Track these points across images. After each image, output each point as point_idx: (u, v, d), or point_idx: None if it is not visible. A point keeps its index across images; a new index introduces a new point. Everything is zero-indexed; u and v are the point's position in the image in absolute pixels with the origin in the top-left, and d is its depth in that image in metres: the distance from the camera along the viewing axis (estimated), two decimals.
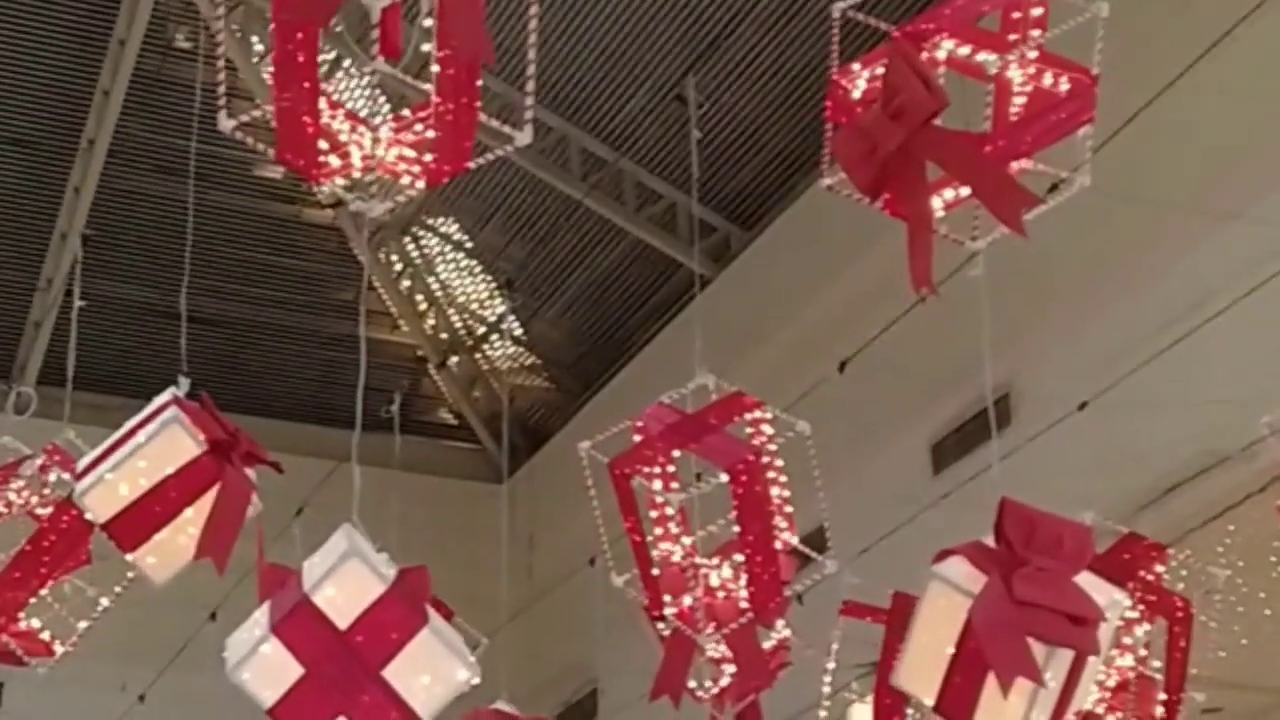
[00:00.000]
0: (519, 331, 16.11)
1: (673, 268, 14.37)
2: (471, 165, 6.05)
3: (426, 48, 5.64)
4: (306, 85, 5.67)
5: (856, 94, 5.73)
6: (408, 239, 15.67)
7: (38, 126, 13.96)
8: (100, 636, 8.85)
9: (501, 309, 15.95)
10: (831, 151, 5.74)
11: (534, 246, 15.09)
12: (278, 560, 7.78)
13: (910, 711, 7.12)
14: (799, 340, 12.56)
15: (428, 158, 6.02)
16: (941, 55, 5.70)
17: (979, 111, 5.65)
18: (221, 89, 6.55)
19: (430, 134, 5.96)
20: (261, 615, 5.69)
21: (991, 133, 5.54)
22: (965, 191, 5.58)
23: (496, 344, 16.29)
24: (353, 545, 5.75)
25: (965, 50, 5.65)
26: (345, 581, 5.63)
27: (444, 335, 16.17)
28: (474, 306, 16.09)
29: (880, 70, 5.61)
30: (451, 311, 16.08)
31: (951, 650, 5.21)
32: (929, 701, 5.27)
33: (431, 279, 15.91)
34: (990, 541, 5.36)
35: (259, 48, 13.47)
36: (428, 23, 5.57)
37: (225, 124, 6.17)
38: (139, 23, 13.28)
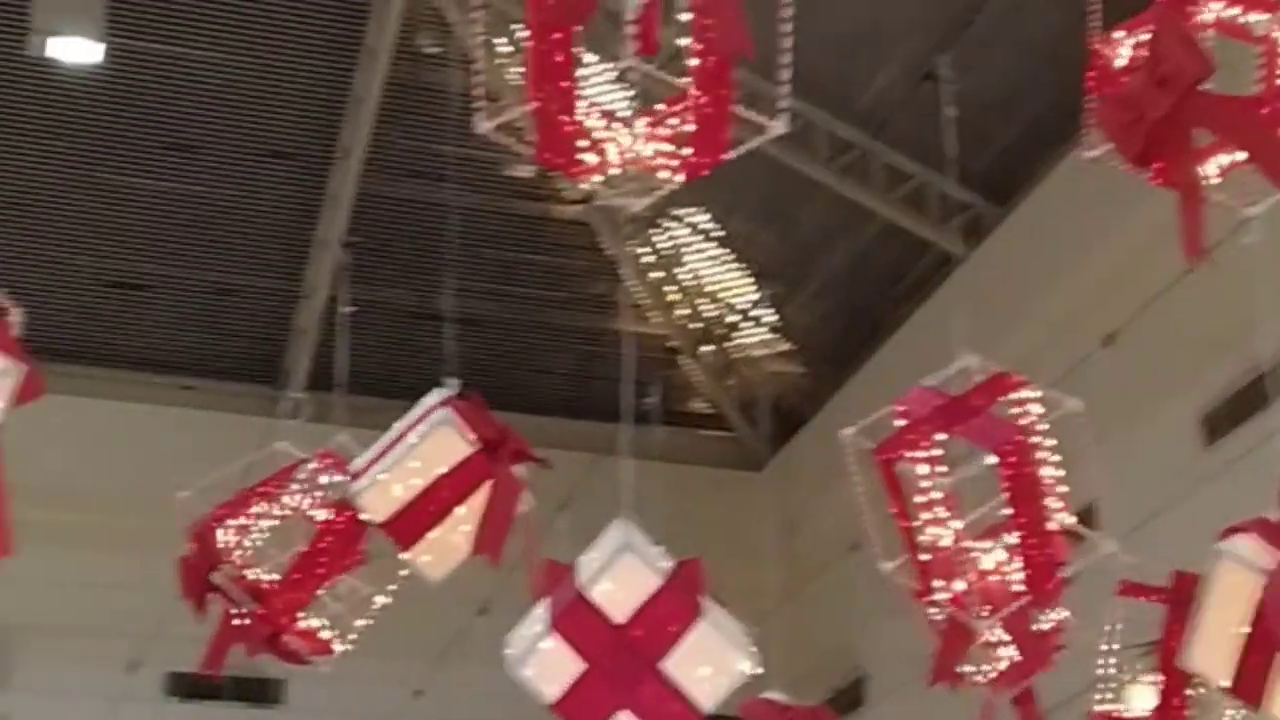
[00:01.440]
0: (771, 318, 16.08)
1: (925, 248, 14.23)
2: (727, 156, 6.06)
3: (681, 42, 5.65)
4: (564, 84, 5.72)
5: (1120, 62, 5.62)
6: (657, 230, 15.73)
7: (294, 138, 14.28)
8: (377, 633, 9.04)
9: (753, 296, 15.94)
10: (1095, 122, 5.65)
11: (783, 232, 15.05)
12: (545, 555, 7.88)
13: (1190, 692, 6.97)
14: (1059, 316, 12.36)
15: (684, 151, 6.03)
16: (1208, 18, 5.57)
17: (1247, 75, 5.51)
18: (478, 92, 6.64)
19: (686, 127, 5.97)
20: (541, 611, 5.77)
21: (1262, 95, 5.41)
22: (1238, 157, 5.45)
23: (748, 331, 16.29)
24: (627, 539, 5.80)
25: (1233, 12, 5.52)
26: (621, 576, 5.69)
27: (696, 325, 16.21)
28: (725, 295, 16.10)
29: (1144, 37, 5.50)
30: (702, 301, 16.11)
31: (1244, 630, 5.09)
32: (1224, 683, 5.16)
33: (681, 269, 15.96)
34: (1275, 516, 5.23)
35: (505, 49, 13.62)
36: (683, 17, 5.58)
37: (483, 126, 6.26)
38: (389, 31, 13.52)
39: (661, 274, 15.94)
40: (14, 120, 13.79)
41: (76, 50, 12.88)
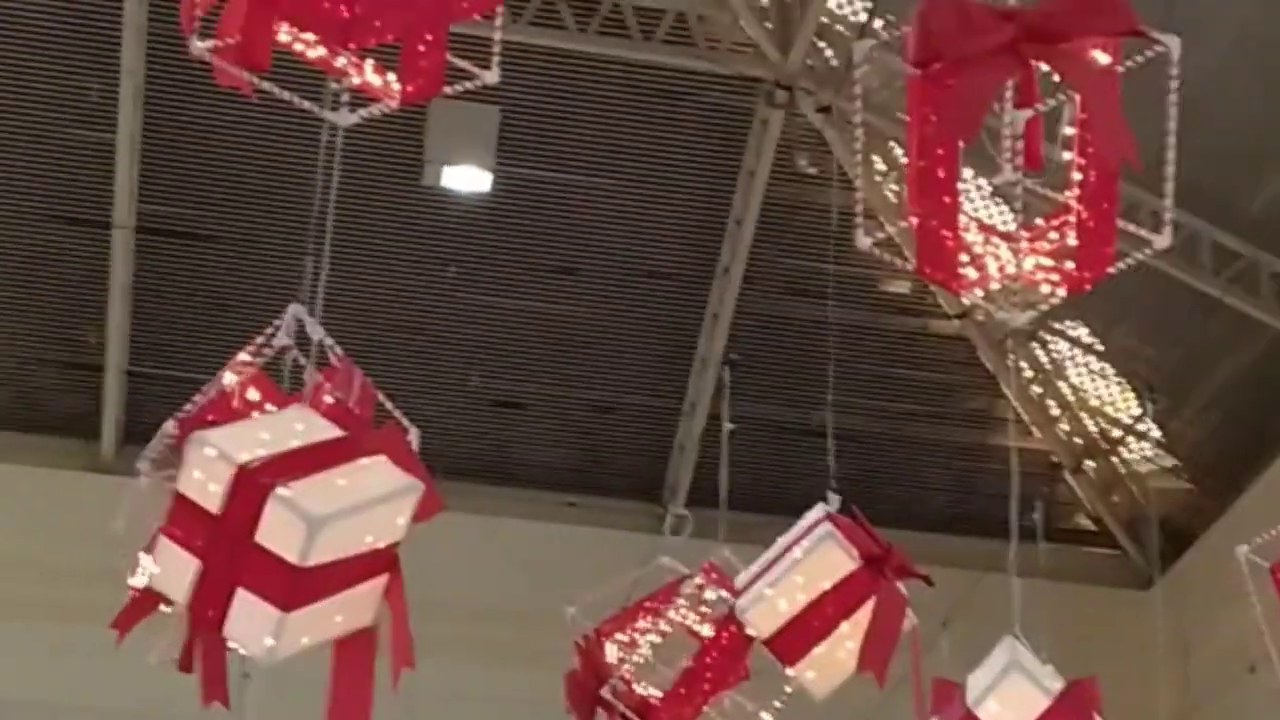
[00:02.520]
0: (1156, 433, 15.71)
1: None
2: (1111, 270, 6.00)
3: (1065, 155, 5.64)
4: (946, 200, 5.75)
5: None
6: (1036, 344, 15.54)
7: (674, 258, 14.55)
8: None
9: (1137, 411, 15.60)
10: None
11: (1168, 345, 14.72)
12: (927, 672, 7.82)
13: None
14: None
15: (1067, 265, 6.00)
16: None
17: None
18: (858, 209, 6.71)
19: (1069, 241, 5.94)
20: None
21: None
22: None
23: (1133, 447, 15.93)
24: (1015, 658, 5.73)
25: None
26: (1009, 695, 5.62)
27: (1078, 440, 15.93)
28: (1108, 410, 15.79)
29: None
30: (1084, 415, 15.83)
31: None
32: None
33: (1062, 383, 15.72)
34: None
35: (881, 168, 13.70)
36: (1067, 130, 5.57)
37: (863, 242, 6.32)
38: (766, 153, 13.72)
39: (1042, 388, 15.72)
40: (410, 248, 14.36)
41: (468, 179, 13.41)
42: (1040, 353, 15.60)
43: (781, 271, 14.49)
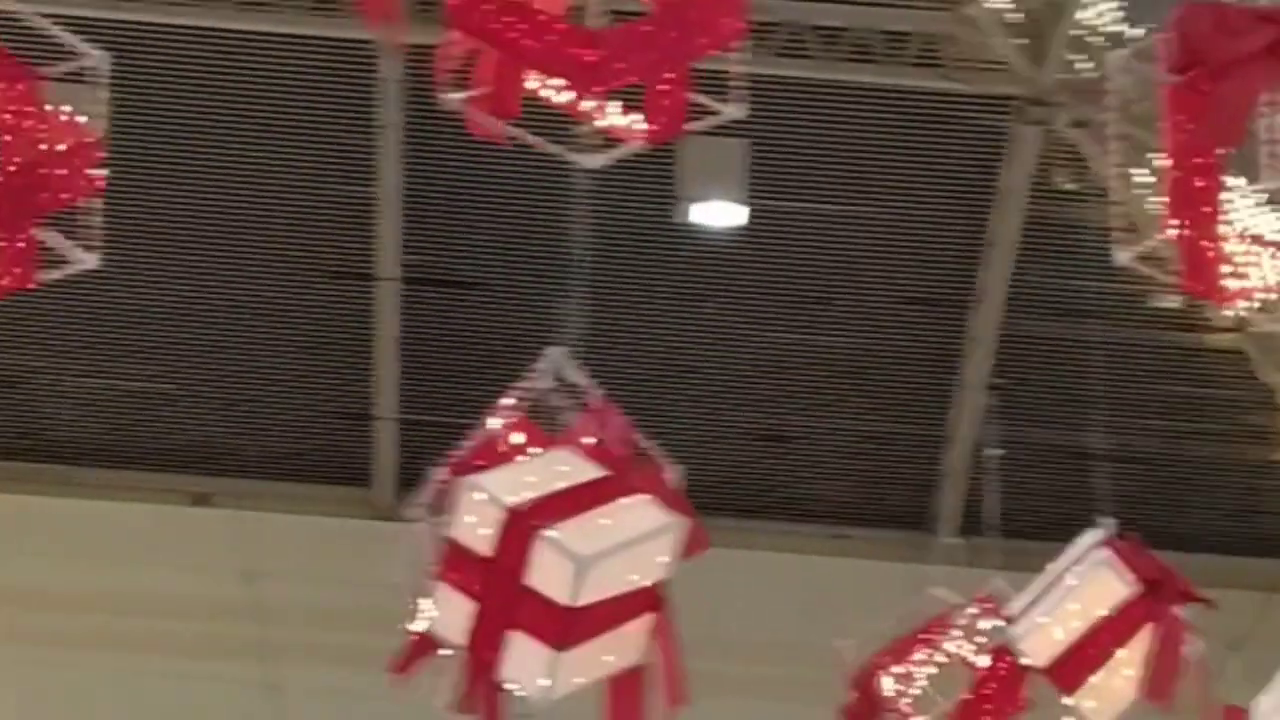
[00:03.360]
0: None
1: None
2: None
3: None
4: (1206, 210, 5.61)
5: None
6: None
7: (932, 283, 14.39)
8: None
9: None
10: None
11: None
12: (1216, 699, 7.60)
13: None
14: None
15: None
16: None
17: None
18: (1116, 224, 6.57)
19: None
20: None
21: None
22: None
23: None
24: None
25: None
26: None
27: None
28: None
29: None
30: None
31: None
32: None
33: None
34: None
35: (1141, 180, 13.39)
36: None
37: (1122, 257, 6.20)
38: (1023, 171, 13.51)
39: None
40: (665, 284, 14.43)
41: (721, 214, 13.43)
42: None
43: (1044, 292, 14.23)
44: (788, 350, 14.72)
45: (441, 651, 6.31)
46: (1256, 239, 5.98)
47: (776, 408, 15.04)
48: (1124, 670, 7.30)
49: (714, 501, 14.39)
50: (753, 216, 13.56)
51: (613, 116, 6.16)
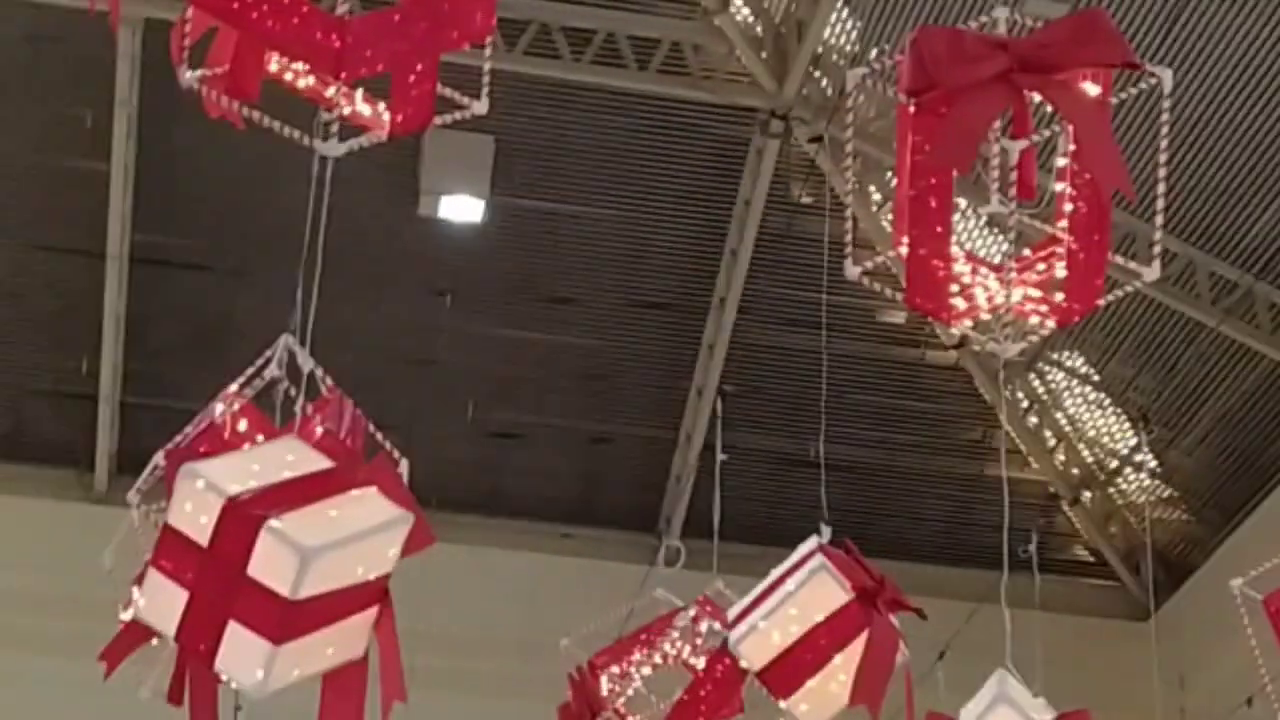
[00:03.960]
0: (1153, 464, 15.67)
1: None
2: (1101, 303, 5.98)
3: (1057, 186, 5.62)
4: (939, 230, 5.73)
5: None
6: (1033, 375, 15.52)
7: (670, 288, 14.54)
8: None
9: (1133, 442, 15.56)
10: None
11: (1164, 375, 14.70)
12: (922, 705, 7.77)
13: None
14: None
15: (1057, 297, 5.98)
16: None
17: None
18: (848, 238, 6.70)
19: (1058, 272, 5.92)
20: None
21: None
22: None
23: (1130, 478, 15.89)
24: (1003, 690, 5.70)
25: None
26: None
27: (1075, 470, 15.89)
28: (1105, 440, 15.76)
29: None
30: (1081, 446, 15.80)
31: None
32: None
33: (1059, 414, 15.69)
34: None
35: (877, 197, 13.68)
36: (1060, 162, 5.55)
37: (851, 271, 6.32)
38: (762, 183, 13.71)
39: (1039, 419, 15.69)
40: (407, 277, 14.35)
41: (463, 209, 13.41)
42: (1037, 383, 15.58)
43: (777, 302, 14.46)
44: (525, 347, 14.74)
45: (154, 641, 6.18)
46: (979, 260, 6.12)
47: (510, 404, 15.06)
48: (839, 675, 7.41)
49: (445, 496, 14.36)
50: (495, 213, 13.57)
51: (358, 104, 6.09)
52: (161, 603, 5.84)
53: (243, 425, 6.54)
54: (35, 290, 14.21)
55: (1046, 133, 6.01)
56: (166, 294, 14.31)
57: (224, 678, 5.84)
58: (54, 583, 13.34)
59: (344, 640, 5.70)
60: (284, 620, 5.56)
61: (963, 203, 12.41)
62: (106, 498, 14.24)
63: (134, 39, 12.80)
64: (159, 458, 6.52)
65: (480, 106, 6.10)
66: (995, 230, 12.78)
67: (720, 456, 10.89)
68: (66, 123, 13.43)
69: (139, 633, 6.25)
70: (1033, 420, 15.66)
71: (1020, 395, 15.60)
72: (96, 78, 13.10)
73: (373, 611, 5.72)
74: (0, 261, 14.03)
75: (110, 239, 13.75)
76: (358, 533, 5.65)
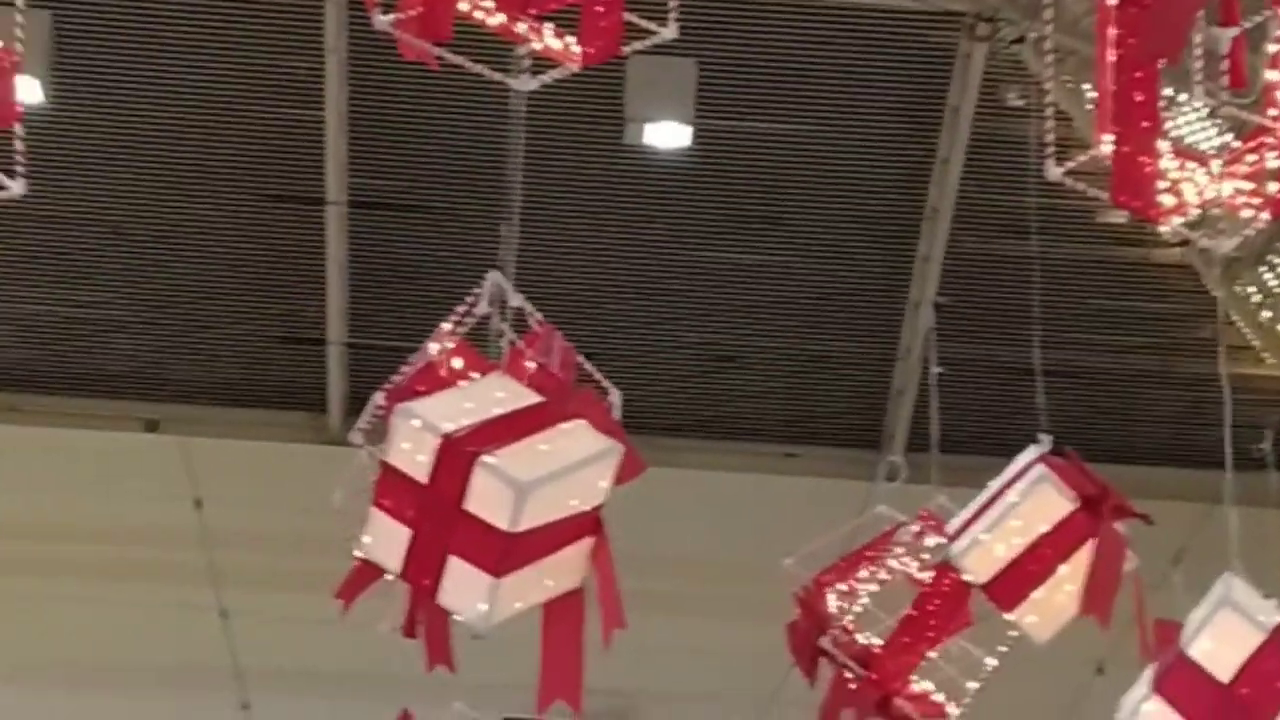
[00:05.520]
0: None
1: None
2: None
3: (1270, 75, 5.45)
4: (1145, 125, 5.60)
5: None
6: (1264, 268, 15.12)
7: (881, 202, 14.40)
8: (990, 696, 8.95)
9: None
10: None
11: None
12: (1158, 611, 7.67)
13: None
14: None
15: (1270, 188, 5.82)
16: None
17: None
18: (1049, 138, 6.57)
19: (1270, 163, 5.77)
20: (1148, 673, 5.62)
21: None
22: None
23: None
24: (1227, 594, 5.59)
25: None
26: (1221, 632, 5.49)
27: None
28: None
29: None
30: None
31: None
32: None
33: None
34: None
35: (1092, 95, 13.39)
36: (1271, 49, 5.38)
37: (1053, 172, 6.20)
38: (970, 89, 13.50)
39: (1272, 313, 15.29)
40: (613, 205, 14.40)
41: (668, 134, 13.39)
42: (1269, 276, 15.17)
43: (991, 209, 14.26)
44: (736, 270, 14.72)
45: (386, 577, 6.32)
46: (1190, 154, 5.97)
47: (726, 327, 15.06)
48: (1065, 586, 7.35)
49: (664, 421, 14.47)
50: (699, 136, 13.53)
51: (548, 39, 6.12)
52: (386, 541, 5.99)
53: (458, 363, 6.64)
54: (258, 240, 14.51)
55: (1258, 18, 5.85)
56: (387, 237, 14.54)
57: (450, 611, 5.97)
58: (292, 522, 13.67)
59: (562, 571, 5.81)
60: (503, 553, 5.67)
61: (1169, 94, 12.12)
62: (340, 438, 14.53)
63: None
64: (378, 398, 6.65)
65: (670, 32, 6.09)
66: (1204, 123, 12.46)
67: (935, 370, 10.79)
68: (279, 73, 13.65)
69: (370, 570, 6.40)
70: (1265, 315, 15.26)
71: (1251, 290, 15.21)
72: (305, 26, 13.29)
73: (588, 541, 5.81)
74: (222, 213, 14.34)
75: (329, 185, 13.98)
76: (569, 465, 5.74)
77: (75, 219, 14.10)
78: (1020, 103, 13.60)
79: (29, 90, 10.96)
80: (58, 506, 14.43)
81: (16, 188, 5.87)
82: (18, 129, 5.77)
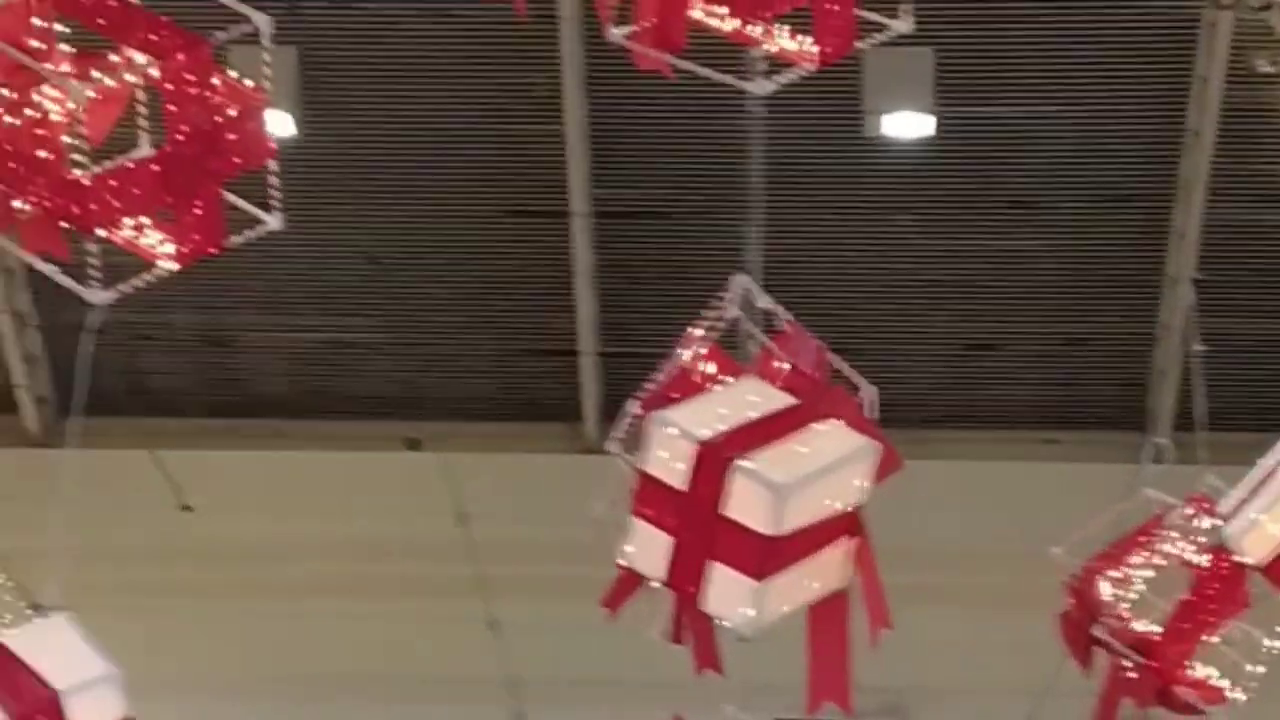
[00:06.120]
0: None
1: None
2: None
3: None
4: None
5: None
6: None
7: (1132, 179, 14.11)
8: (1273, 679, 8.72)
9: None
10: None
11: None
12: None
13: None
14: None
15: None
16: None
17: None
18: None
19: None
20: None
21: None
22: None
23: None
24: None
25: None
26: None
27: None
28: None
29: None
30: None
31: None
32: None
33: None
34: None
35: None
36: None
37: None
38: (1218, 58, 13.17)
39: None
40: (859, 200, 14.31)
41: (909, 124, 13.28)
42: None
43: (1247, 179, 13.89)
44: (987, 256, 14.54)
45: (650, 584, 6.35)
46: None
47: (979, 315, 14.88)
48: None
49: (920, 414, 14.33)
50: (941, 125, 13.40)
51: (782, 40, 6.11)
52: (648, 549, 6.02)
53: (710, 368, 6.66)
54: (505, 254, 14.69)
55: None
56: (632, 244, 14.62)
57: (715, 617, 5.98)
58: (554, 532, 13.82)
59: (825, 572, 5.79)
60: (764, 557, 5.67)
61: None
62: (597, 447, 14.64)
63: (575, 1, 13.08)
64: (633, 406, 6.70)
65: (904, 25, 6.04)
66: None
67: (1197, 347, 10.52)
68: (517, 89, 13.81)
69: (634, 578, 6.43)
70: None
71: None
72: (541, 42, 13.43)
73: (850, 542, 5.78)
74: (470, 229, 14.55)
75: (572, 196, 14.11)
76: (826, 466, 5.72)
77: (329, 247, 14.41)
78: (1271, 69, 13.24)
79: (280, 124, 11.28)
80: (325, 527, 14.77)
81: (275, 222, 6.01)
82: (271, 164, 5.91)
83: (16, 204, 5.77)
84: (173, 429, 15.02)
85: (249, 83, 5.82)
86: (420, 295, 14.82)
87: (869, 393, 6.13)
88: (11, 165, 5.70)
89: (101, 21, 5.75)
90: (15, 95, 5.71)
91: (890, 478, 6.09)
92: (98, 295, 5.82)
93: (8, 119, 5.65)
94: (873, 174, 14.14)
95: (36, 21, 5.70)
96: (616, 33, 6.06)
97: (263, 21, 5.74)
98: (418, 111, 13.87)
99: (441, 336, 15.06)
